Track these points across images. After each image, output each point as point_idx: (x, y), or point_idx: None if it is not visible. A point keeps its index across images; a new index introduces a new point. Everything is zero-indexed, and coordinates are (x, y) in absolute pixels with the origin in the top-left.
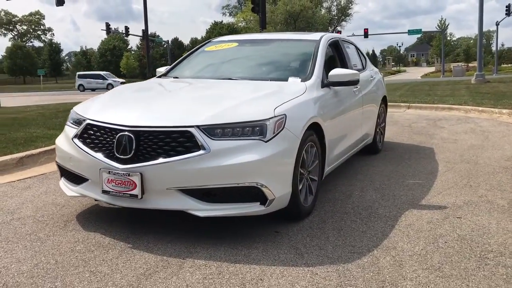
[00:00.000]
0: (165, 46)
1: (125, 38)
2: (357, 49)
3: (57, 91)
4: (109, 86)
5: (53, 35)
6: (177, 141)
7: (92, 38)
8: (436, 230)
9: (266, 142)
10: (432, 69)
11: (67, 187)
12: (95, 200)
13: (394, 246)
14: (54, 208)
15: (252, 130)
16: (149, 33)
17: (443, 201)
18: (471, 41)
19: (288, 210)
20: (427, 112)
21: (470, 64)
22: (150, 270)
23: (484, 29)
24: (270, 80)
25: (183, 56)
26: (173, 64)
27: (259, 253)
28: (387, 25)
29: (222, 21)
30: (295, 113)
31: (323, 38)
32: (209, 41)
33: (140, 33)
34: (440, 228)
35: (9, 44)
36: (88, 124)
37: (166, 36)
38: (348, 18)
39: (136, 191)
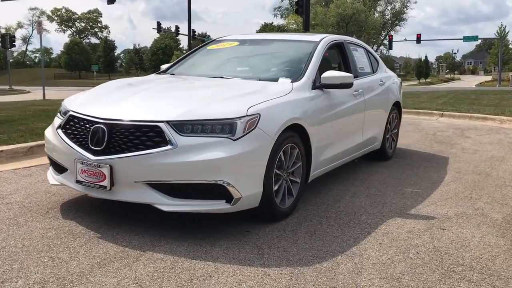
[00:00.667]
0: None
1: (176, 37)
2: (368, 52)
3: None
4: None
5: (109, 32)
6: (147, 135)
7: (147, 36)
8: (412, 240)
9: (234, 140)
10: (489, 77)
11: (51, 176)
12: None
13: (361, 253)
14: (44, 196)
15: (222, 128)
16: (199, 33)
17: (433, 211)
18: None
19: (261, 210)
20: (459, 121)
21: None
22: (106, 260)
23: None
24: (259, 80)
25: (185, 54)
26: (176, 61)
27: (220, 251)
28: (445, 31)
29: (272, 23)
30: (271, 114)
31: (323, 40)
32: (214, 40)
33: (192, 34)
34: (417, 239)
35: (68, 40)
36: (71, 115)
37: (217, 36)
38: (402, 22)
39: (105, 183)
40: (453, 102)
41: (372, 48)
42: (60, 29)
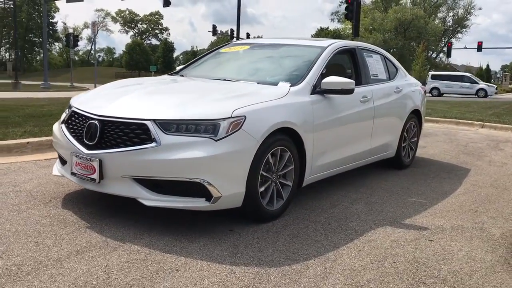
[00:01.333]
0: None
1: (231, 40)
2: (386, 58)
3: None
4: (480, 92)
5: (169, 34)
6: (135, 132)
7: (206, 39)
8: (394, 250)
9: (216, 141)
10: None
11: (56, 167)
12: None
13: (336, 258)
14: (52, 186)
15: (205, 128)
16: (255, 36)
17: (429, 222)
18: None
19: (245, 211)
20: (500, 132)
21: None
22: (86, 248)
23: None
24: (259, 83)
25: (201, 55)
26: (189, 62)
27: (196, 247)
28: None
29: (328, 27)
30: (258, 116)
31: (331, 46)
32: (228, 43)
33: (246, 36)
34: (400, 248)
35: (129, 41)
36: (73, 111)
37: None
38: (464, 29)
39: (95, 176)
40: (503, 113)
41: (431, 55)
42: (123, 30)
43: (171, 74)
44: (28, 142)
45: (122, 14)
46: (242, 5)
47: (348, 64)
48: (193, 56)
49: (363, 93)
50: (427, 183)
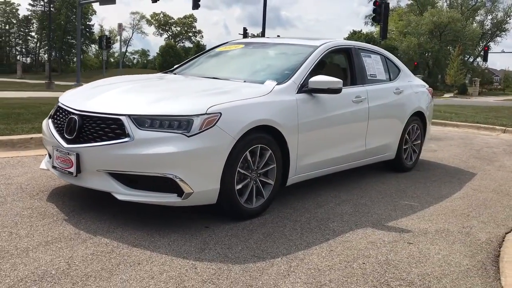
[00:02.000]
0: None
1: None
2: (386, 59)
3: None
4: None
5: (202, 37)
6: (110, 127)
7: None
8: (367, 251)
9: (189, 137)
10: None
11: (44, 161)
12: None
13: (304, 258)
14: (44, 180)
15: (179, 124)
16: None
17: (414, 225)
18: None
19: (221, 208)
20: None
21: None
22: (56, 239)
23: None
24: (245, 81)
25: (198, 54)
26: (186, 60)
27: (165, 242)
28: None
29: (361, 30)
30: (235, 113)
31: (324, 45)
32: (226, 43)
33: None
34: (374, 250)
35: (163, 43)
36: (58, 107)
37: None
38: (504, 33)
39: (72, 169)
40: None
41: (467, 59)
42: (157, 33)
43: (165, 73)
44: (31, 138)
45: (157, 17)
46: (276, 8)
47: (344, 64)
48: None
49: (356, 93)
50: (426, 187)
